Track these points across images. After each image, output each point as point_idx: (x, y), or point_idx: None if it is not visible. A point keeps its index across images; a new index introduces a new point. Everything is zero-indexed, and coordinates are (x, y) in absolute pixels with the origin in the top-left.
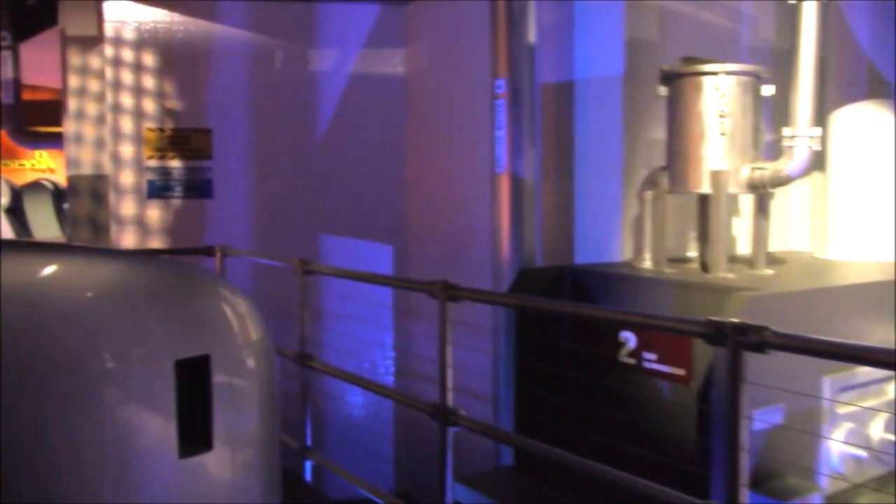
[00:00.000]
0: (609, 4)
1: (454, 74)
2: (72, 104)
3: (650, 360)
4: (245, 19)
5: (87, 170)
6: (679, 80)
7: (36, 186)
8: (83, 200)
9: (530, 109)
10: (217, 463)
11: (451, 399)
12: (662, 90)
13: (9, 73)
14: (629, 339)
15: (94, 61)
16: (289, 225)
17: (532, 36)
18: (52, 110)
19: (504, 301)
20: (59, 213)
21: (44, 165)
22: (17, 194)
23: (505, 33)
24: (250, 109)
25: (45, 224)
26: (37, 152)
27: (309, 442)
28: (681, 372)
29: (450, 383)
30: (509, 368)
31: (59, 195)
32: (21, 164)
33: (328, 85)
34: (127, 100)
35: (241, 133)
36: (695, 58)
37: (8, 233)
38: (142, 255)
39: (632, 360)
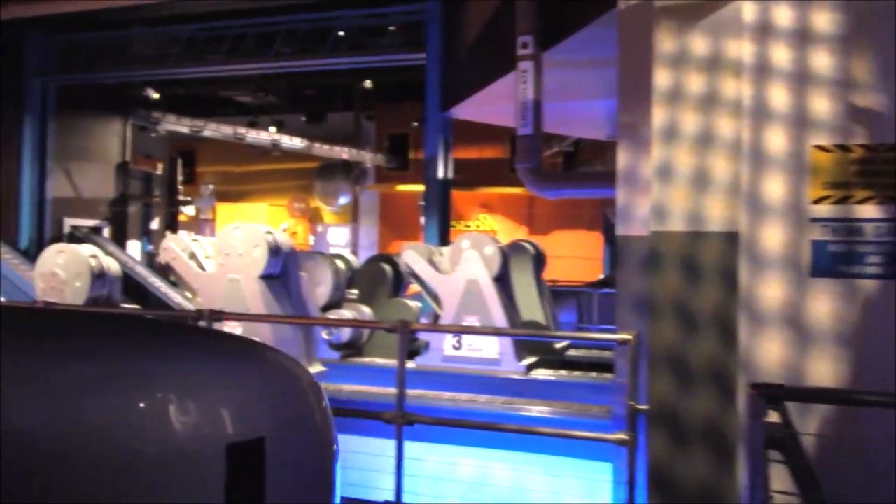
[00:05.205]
0: None
1: None
2: (658, 117)
3: None
4: None
5: (676, 224)
6: None
7: (517, 249)
8: (667, 275)
9: None
10: None
11: None
12: None
13: (529, 93)
14: None
15: (698, 44)
16: None
17: None
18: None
19: None
20: (538, 280)
21: (487, 227)
22: (505, 259)
23: None
24: None
25: (524, 292)
26: (481, 213)
27: None
28: None
29: None
30: None
31: (539, 260)
32: (466, 226)
33: None
34: (774, 97)
35: None
36: None
37: (495, 304)
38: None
39: None
